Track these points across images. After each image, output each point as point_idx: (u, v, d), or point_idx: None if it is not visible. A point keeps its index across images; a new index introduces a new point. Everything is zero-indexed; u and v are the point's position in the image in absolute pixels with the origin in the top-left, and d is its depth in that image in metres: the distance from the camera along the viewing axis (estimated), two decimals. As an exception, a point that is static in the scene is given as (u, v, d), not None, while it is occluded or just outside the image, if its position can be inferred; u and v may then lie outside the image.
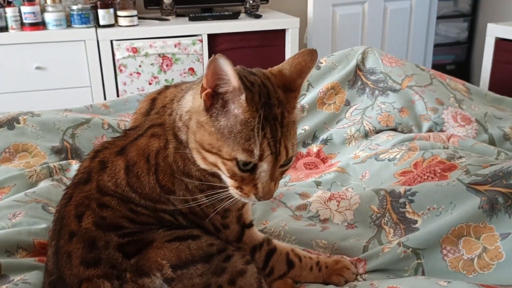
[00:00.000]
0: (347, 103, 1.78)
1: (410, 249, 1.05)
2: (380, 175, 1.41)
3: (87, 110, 1.91)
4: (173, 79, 3.45)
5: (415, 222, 1.14)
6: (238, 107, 0.76)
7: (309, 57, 0.85)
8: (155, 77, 3.46)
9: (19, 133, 1.52)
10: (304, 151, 1.68)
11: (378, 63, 1.82)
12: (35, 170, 1.36)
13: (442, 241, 1.06)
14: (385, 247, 1.10)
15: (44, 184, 1.31)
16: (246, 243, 0.98)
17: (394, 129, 1.67)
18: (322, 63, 1.87)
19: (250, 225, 1.00)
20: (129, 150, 0.89)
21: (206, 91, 0.77)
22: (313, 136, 1.72)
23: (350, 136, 1.67)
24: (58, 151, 1.53)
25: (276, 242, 1.07)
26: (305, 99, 1.78)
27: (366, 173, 1.44)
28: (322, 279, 1.06)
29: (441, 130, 1.63)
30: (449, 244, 1.06)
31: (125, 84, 3.42)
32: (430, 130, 1.63)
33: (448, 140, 1.52)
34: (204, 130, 0.79)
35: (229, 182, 0.82)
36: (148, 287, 0.78)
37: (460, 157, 1.32)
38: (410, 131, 1.65)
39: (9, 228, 1.07)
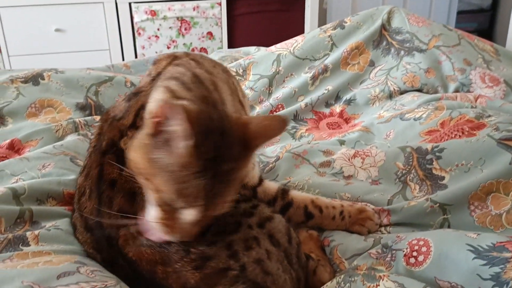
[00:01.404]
0: (372, 64, 1.75)
1: (438, 204, 1.05)
2: (405, 134, 1.39)
3: (108, 69, 1.91)
4: (191, 43, 3.43)
5: (442, 178, 1.13)
6: (180, 150, 0.71)
7: (278, 124, 0.82)
8: (173, 41, 3.44)
9: (44, 89, 1.53)
10: (327, 111, 1.67)
11: (405, 22, 1.77)
12: (61, 125, 1.37)
13: (470, 197, 1.04)
14: (411, 201, 1.09)
15: (70, 138, 1.32)
16: (260, 199, 1.00)
17: (419, 90, 1.64)
18: (346, 22, 1.83)
19: (259, 183, 1.02)
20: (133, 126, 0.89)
21: (155, 119, 0.72)
22: (336, 96, 1.69)
23: (374, 96, 1.65)
24: (83, 108, 1.54)
25: (294, 193, 1.08)
26: (329, 59, 1.75)
27: (390, 133, 1.43)
28: (344, 228, 1.07)
29: (468, 91, 1.59)
30: (477, 200, 1.05)
31: (143, 47, 3.41)
32: (456, 91, 1.60)
33: (476, 101, 1.49)
34: (143, 153, 0.74)
35: (152, 211, 0.77)
36: None
37: (489, 116, 1.29)
38: (436, 92, 1.62)
39: (39, 178, 1.09)
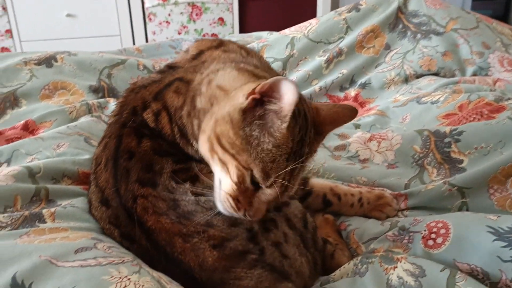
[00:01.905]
0: (387, 47, 1.72)
1: (456, 187, 1.03)
2: (421, 118, 1.37)
3: (120, 53, 1.90)
4: (202, 29, 3.41)
5: (461, 161, 1.11)
6: (276, 130, 0.72)
7: (349, 112, 0.84)
8: (184, 27, 3.42)
9: (57, 71, 1.53)
10: (341, 95, 1.65)
11: (421, 5, 1.74)
12: (75, 107, 1.37)
13: (490, 180, 1.02)
14: (428, 185, 1.07)
15: (84, 119, 1.32)
16: None
17: (436, 74, 1.61)
18: (361, 5, 1.80)
19: None
20: (161, 98, 0.90)
21: (254, 96, 0.72)
22: (351, 80, 1.67)
23: (390, 80, 1.62)
24: (96, 90, 1.53)
25: (313, 181, 1.07)
26: (344, 42, 1.72)
27: (407, 116, 1.41)
28: (362, 214, 1.06)
29: (486, 75, 1.56)
30: (497, 183, 1.02)
31: (154, 33, 3.40)
32: (474, 75, 1.57)
33: (495, 84, 1.46)
34: (231, 127, 0.74)
35: (227, 187, 0.76)
36: (207, 206, 0.80)
37: (509, 99, 1.27)
38: (453, 76, 1.59)
39: (54, 157, 1.09)
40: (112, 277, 0.65)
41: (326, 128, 0.83)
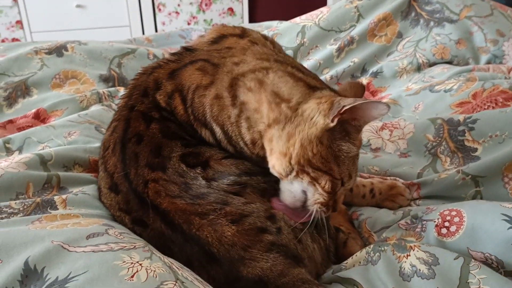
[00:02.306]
0: (399, 35, 1.69)
1: (470, 176, 1.01)
2: (435, 106, 1.35)
3: (130, 43, 1.90)
4: (211, 19, 3.39)
5: (475, 150, 1.09)
6: (355, 139, 0.82)
7: (361, 90, 0.94)
8: (194, 17, 3.41)
9: (68, 60, 1.53)
10: (352, 84, 1.63)
11: (435, -8, 1.71)
12: (86, 96, 1.37)
13: (504, 169, 1.00)
14: (442, 173, 1.06)
15: (95, 108, 1.32)
16: None
17: (449, 62, 1.59)
18: (373, -8, 1.77)
19: None
20: (176, 77, 0.90)
21: (340, 118, 0.77)
22: (362, 69, 1.65)
23: (402, 69, 1.60)
24: (106, 79, 1.53)
25: None
26: (355, 30, 1.70)
27: (419, 105, 1.39)
28: (375, 204, 1.05)
29: (501, 63, 1.54)
30: (511, 171, 1.01)
31: (163, 24, 3.39)
32: (488, 63, 1.55)
33: (509, 72, 1.43)
34: (322, 149, 0.79)
35: (319, 199, 0.82)
36: (220, 188, 0.80)
37: (524, 87, 1.24)
38: (467, 64, 1.56)
39: (65, 145, 1.09)
40: (124, 262, 0.65)
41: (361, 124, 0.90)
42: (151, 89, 0.91)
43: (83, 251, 0.66)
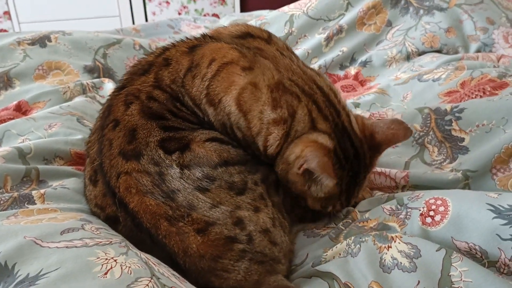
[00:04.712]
0: (389, 24, 1.67)
1: (461, 171, 0.99)
2: (423, 95, 1.33)
3: (117, 33, 1.87)
4: (203, 8, 3.36)
5: (462, 140, 1.08)
6: (325, 186, 0.85)
7: (403, 132, 0.90)
8: (184, 7, 3.37)
9: (52, 51, 1.50)
10: (341, 73, 1.61)
11: (424, -21, 1.68)
12: (69, 87, 1.35)
13: (494, 161, 0.99)
14: (435, 170, 1.04)
15: (78, 99, 1.30)
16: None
17: (439, 51, 1.57)
18: (363, -20, 1.75)
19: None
20: (198, 51, 0.89)
21: (303, 168, 0.83)
22: (351, 58, 1.63)
23: (391, 58, 1.58)
24: (91, 70, 1.51)
25: None
26: (344, 19, 1.68)
27: (408, 94, 1.37)
28: None
29: (490, 51, 1.52)
30: (500, 163, 0.99)
31: (154, 14, 3.35)
32: (478, 51, 1.53)
33: (498, 61, 1.42)
34: (297, 185, 0.88)
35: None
36: (191, 179, 0.77)
37: (512, 75, 1.23)
38: (456, 53, 1.54)
39: (46, 138, 1.07)
40: (98, 258, 0.63)
41: (382, 148, 0.92)
42: (156, 66, 0.90)
43: (56, 247, 0.65)
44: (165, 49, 0.95)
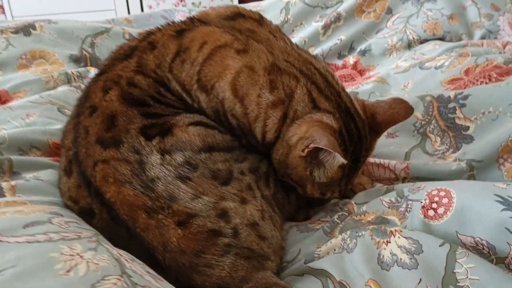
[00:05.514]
0: (389, 11, 1.60)
1: (465, 161, 0.92)
2: (425, 84, 1.26)
3: (108, 23, 1.81)
4: (200, 2, 3.29)
5: (467, 128, 1.01)
6: (330, 168, 0.80)
7: (405, 111, 0.87)
8: (181, 0, 3.30)
9: (36, 39, 1.44)
10: (339, 63, 1.55)
11: (426, -35, 1.61)
12: (52, 76, 1.28)
13: (501, 150, 0.92)
14: (437, 160, 0.98)
15: (61, 88, 1.23)
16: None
17: (441, 39, 1.50)
18: (361, -34, 1.68)
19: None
20: (187, 35, 0.85)
21: (308, 149, 0.77)
22: (350, 47, 1.57)
23: (391, 46, 1.52)
24: (77, 60, 1.44)
25: None
26: (342, 6, 1.61)
27: (409, 83, 1.30)
28: None
29: (495, 39, 1.45)
30: (507, 152, 0.92)
31: (150, 7, 3.29)
32: (482, 39, 1.46)
33: (504, 47, 1.35)
34: (298, 171, 0.82)
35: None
36: (172, 165, 0.71)
37: (520, 61, 1.16)
38: (460, 40, 1.48)
39: (22, 127, 1.00)
40: (61, 254, 0.57)
41: (383, 128, 0.89)
42: (140, 51, 0.85)
43: (17, 242, 0.58)
44: (150, 33, 0.90)
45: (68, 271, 0.55)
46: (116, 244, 0.67)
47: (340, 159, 0.75)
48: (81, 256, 0.58)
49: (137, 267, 0.61)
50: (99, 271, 0.56)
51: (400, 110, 0.86)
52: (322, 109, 0.81)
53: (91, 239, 0.63)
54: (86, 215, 0.73)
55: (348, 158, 0.80)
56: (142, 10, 3.23)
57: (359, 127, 0.83)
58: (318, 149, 0.76)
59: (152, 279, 0.61)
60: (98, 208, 0.71)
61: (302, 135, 0.78)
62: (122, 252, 0.64)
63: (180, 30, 0.86)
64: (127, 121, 0.76)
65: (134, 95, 0.80)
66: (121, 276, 0.57)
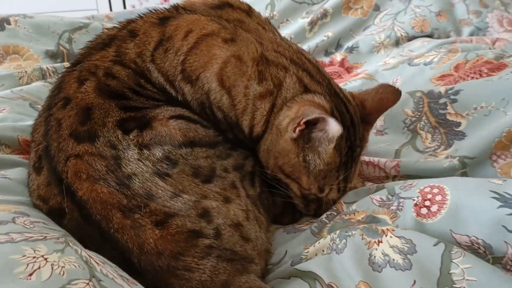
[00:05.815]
0: (376, 8, 1.58)
1: (457, 158, 0.89)
2: (414, 80, 1.23)
3: (87, 20, 1.75)
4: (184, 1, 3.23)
5: (458, 124, 0.98)
6: (324, 151, 0.76)
7: (393, 96, 0.86)
8: (165, 0, 3.25)
9: (10, 34, 1.38)
10: (326, 60, 1.51)
11: (414, -39, 1.59)
12: (26, 72, 1.22)
13: (494, 147, 0.89)
14: (428, 157, 0.94)
15: (35, 84, 1.17)
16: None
17: (429, 36, 1.48)
18: (348, -38, 1.65)
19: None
20: (171, 23, 0.80)
21: (300, 128, 0.74)
22: (337, 44, 1.54)
23: (379, 43, 1.49)
24: (53, 56, 1.38)
25: None
26: (329, 2, 1.58)
27: (397, 80, 1.27)
28: None
29: (484, 36, 1.43)
30: (501, 149, 0.89)
31: (133, 7, 3.22)
32: (471, 36, 1.44)
33: (494, 44, 1.32)
34: (289, 159, 0.78)
35: (296, 199, 0.85)
36: (150, 160, 0.67)
37: (510, 56, 1.13)
38: (448, 37, 1.45)
39: (-9, 124, 0.94)
40: (24, 256, 0.52)
41: (373, 117, 0.87)
42: (119, 39, 0.80)
43: (-26, 243, 0.53)
44: (130, 21, 0.85)
45: (30, 274, 0.49)
46: (88, 246, 0.62)
47: (335, 126, 0.71)
48: (45, 259, 0.52)
49: (108, 270, 0.56)
50: (65, 274, 0.51)
51: (387, 94, 0.85)
52: (313, 91, 0.78)
53: (58, 240, 0.58)
54: (56, 215, 0.67)
55: (343, 142, 0.78)
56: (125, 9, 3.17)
57: (351, 112, 0.82)
58: (311, 128, 0.73)
59: (124, 283, 0.56)
60: (69, 207, 0.65)
61: (293, 116, 0.76)
62: (92, 254, 0.59)
63: (164, 18, 0.82)
64: (103, 114, 0.71)
65: (111, 86, 0.75)
66: (90, 280, 0.52)
